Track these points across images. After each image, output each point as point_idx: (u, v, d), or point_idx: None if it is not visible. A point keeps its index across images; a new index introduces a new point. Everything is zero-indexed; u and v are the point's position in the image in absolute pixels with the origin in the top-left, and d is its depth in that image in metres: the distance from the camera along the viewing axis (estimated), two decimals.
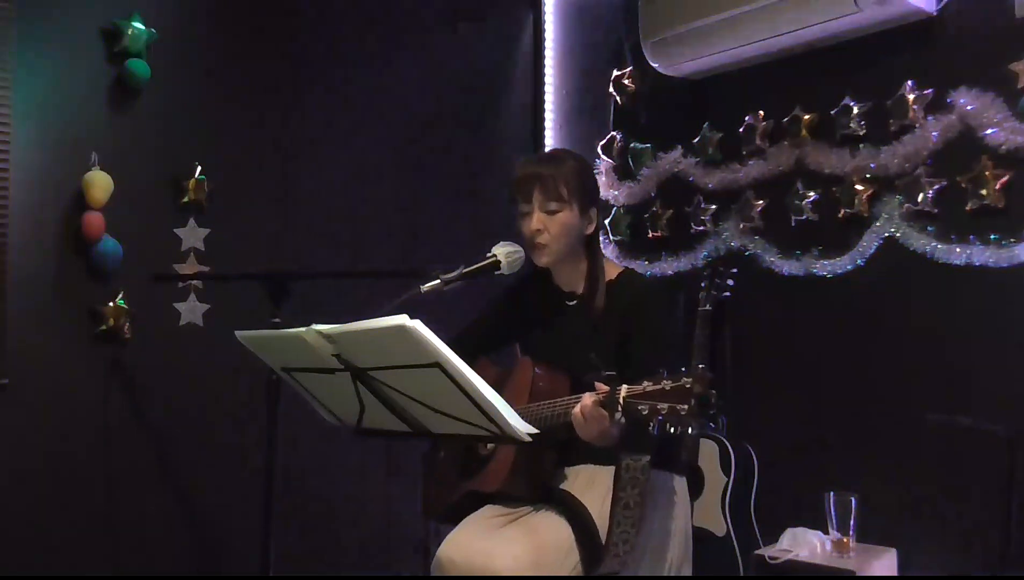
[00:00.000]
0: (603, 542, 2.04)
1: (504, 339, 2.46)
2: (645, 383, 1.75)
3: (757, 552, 2.89)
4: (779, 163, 3.19)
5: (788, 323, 3.19)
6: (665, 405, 1.70)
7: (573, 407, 1.93)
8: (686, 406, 1.68)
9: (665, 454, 2.20)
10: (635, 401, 1.75)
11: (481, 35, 3.85)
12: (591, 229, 2.24)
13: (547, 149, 3.95)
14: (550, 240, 2.17)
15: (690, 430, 1.71)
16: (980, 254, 2.70)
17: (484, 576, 1.98)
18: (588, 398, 1.89)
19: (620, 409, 1.78)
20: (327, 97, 3.43)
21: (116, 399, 2.92)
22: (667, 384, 1.72)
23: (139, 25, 2.91)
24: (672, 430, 1.70)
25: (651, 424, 1.72)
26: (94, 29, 2.89)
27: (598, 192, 2.33)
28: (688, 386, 1.69)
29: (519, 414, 1.67)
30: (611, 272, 2.26)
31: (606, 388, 1.85)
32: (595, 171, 2.93)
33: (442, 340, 1.54)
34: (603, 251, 2.34)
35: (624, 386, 1.79)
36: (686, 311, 3.30)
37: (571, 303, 2.27)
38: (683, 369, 1.72)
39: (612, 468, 2.11)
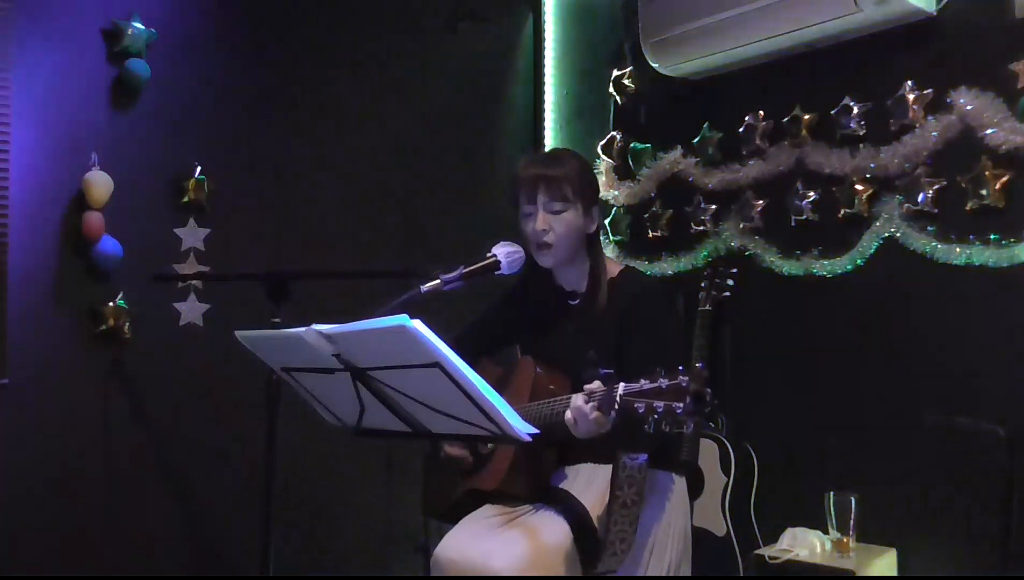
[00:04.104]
0: (602, 541, 2.04)
1: (506, 339, 2.47)
2: (642, 381, 1.75)
3: (757, 552, 2.89)
4: (779, 163, 3.19)
5: (788, 323, 3.19)
6: (661, 404, 1.70)
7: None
8: (681, 405, 1.68)
9: (665, 453, 2.21)
10: (631, 399, 1.75)
11: (481, 35, 3.85)
12: (593, 228, 2.24)
13: (547, 149, 3.95)
14: (555, 240, 2.18)
15: (686, 429, 1.71)
16: (980, 254, 2.70)
17: (484, 576, 1.98)
18: (578, 399, 1.89)
19: (617, 407, 1.78)
20: (327, 96, 3.43)
21: (116, 399, 2.92)
22: (664, 383, 1.72)
23: (139, 25, 2.91)
24: (667, 429, 1.70)
25: (647, 423, 1.72)
26: (94, 29, 2.89)
27: (599, 191, 2.34)
28: (684, 385, 1.69)
29: (520, 413, 1.67)
30: (612, 270, 2.26)
31: (594, 386, 1.85)
32: (595, 171, 2.93)
33: (443, 340, 1.55)
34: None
35: (621, 384, 1.79)
36: (686, 311, 3.30)
37: (573, 302, 2.28)
38: (680, 368, 1.72)
39: (612, 466, 2.11)
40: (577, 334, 2.22)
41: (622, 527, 2.01)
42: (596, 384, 1.86)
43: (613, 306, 2.19)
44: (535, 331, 2.34)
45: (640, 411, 1.73)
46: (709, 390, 1.69)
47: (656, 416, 1.71)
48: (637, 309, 2.16)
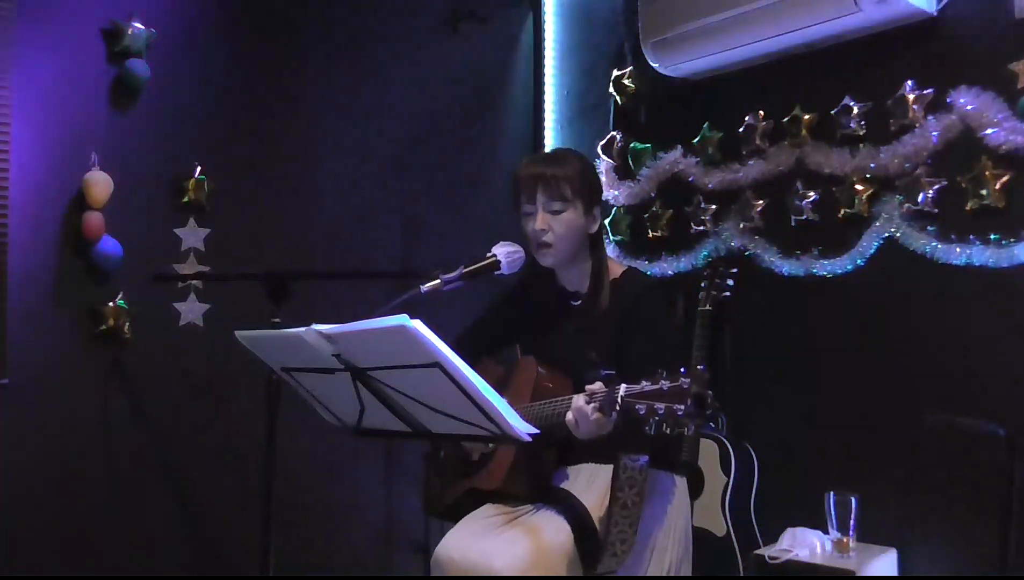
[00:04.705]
0: (602, 541, 2.04)
1: (506, 339, 2.47)
2: (643, 383, 1.75)
3: (757, 552, 2.89)
4: (779, 163, 3.19)
5: (788, 323, 3.19)
6: (662, 405, 1.70)
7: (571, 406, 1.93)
8: (683, 406, 1.68)
9: (665, 454, 2.21)
10: (633, 401, 1.75)
11: (481, 35, 3.85)
12: (595, 228, 2.24)
13: (547, 149, 3.95)
14: (555, 240, 2.18)
15: (687, 431, 1.71)
16: (980, 254, 2.70)
17: (484, 576, 1.98)
18: (580, 399, 1.89)
19: (618, 408, 1.78)
20: (327, 97, 3.43)
21: (116, 399, 2.92)
22: (665, 384, 1.72)
23: (139, 25, 2.91)
24: (668, 430, 1.70)
25: (648, 424, 1.72)
26: (94, 29, 2.89)
27: (601, 191, 2.33)
28: (685, 387, 1.69)
29: (521, 413, 1.67)
30: (615, 271, 2.26)
31: (595, 387, 1.85)
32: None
33: (444, 340, 1.55)
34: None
35: (623, 385, 1.79)
36: (686, 311, 3.30)
37: (576, 303, 2.27)
38: (682, 370, 1.72)
39: (612, 467, 2.11)
40: (578, 334, 2.22)
41: (622, 528, 2.01)
42: (598, 385, 1.86)
43: (615, 307, 2.18)
44: (536, 331, 2.34)
45: (641, 413, 1.73)
46: (710, 392, 1.69)
47: (657, 418, 1.71)
48: (638, 309, 2.16)
